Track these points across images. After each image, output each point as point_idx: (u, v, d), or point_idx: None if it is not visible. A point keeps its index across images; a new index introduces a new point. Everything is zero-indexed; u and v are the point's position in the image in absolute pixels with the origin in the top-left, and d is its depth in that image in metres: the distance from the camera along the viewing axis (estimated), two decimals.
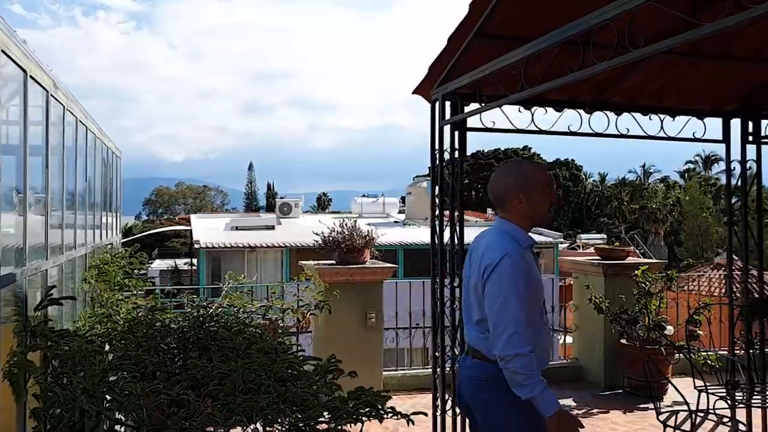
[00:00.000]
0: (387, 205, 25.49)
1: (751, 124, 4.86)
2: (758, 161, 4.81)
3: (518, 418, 2.33)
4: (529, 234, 2.51)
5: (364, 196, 26.16)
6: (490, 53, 3.55)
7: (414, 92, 4.56)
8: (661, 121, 4.83)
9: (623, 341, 6.08)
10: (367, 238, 5.91)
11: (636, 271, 5.92)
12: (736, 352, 4.84)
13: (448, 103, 4.37)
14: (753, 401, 4.27)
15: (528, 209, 2.46)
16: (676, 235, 44.89)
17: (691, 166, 54.85)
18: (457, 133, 4.39)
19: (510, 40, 3.53)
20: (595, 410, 5.70)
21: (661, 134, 4.85)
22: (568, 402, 5.87)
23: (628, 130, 4.76)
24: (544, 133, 4.64)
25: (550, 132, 4.67)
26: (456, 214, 4.37)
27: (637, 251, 33.61)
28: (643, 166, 54.46)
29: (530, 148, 57.18)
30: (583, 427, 2.35)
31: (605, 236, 38.76)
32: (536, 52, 3.13)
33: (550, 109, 4.58)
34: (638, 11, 2.41)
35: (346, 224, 5.95)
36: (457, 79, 3.99)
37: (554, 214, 2.31)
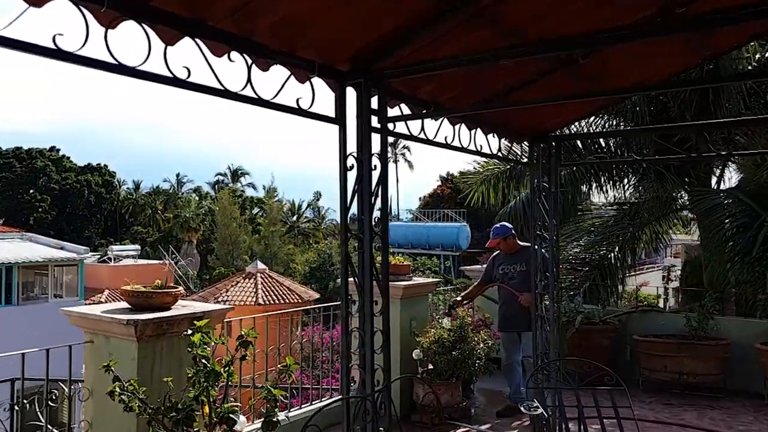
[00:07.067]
0: None
1: (376, 99, 3.11)
2: (383, 156, 3.09)
3: None
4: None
5: None
6: None
7: None
8: (248, 68, 2.63)
9: None
10: None
11: (191, 335, 3.37)
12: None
13: None
14: None
15: None
16: (208, 243, 45.13)
17: (221, 178, 56.63)
18: None
19: None
20: None
21: (248, 92, 2.65)
22: None
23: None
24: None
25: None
26: None
27: (170, 261, 31.93)
28: (178, 175, 53.74)
29: (59, 149, 49.38)
30: None
31: (139, 247, 35.71)
32: None
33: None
34: None
35: None
36: None
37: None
